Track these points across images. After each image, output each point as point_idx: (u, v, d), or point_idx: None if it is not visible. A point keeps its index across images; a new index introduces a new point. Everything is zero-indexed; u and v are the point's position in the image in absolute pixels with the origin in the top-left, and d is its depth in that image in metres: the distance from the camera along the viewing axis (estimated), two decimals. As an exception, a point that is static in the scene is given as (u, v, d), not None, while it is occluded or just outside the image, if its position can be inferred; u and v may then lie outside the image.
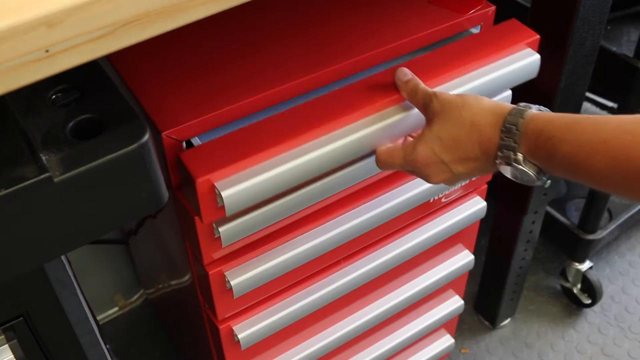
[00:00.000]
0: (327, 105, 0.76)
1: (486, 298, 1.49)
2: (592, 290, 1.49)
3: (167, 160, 0.75)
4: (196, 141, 0.76)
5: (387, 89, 0.77)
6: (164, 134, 0.73)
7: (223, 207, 0.69)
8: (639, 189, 0.56)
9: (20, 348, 0.62)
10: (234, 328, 0.88)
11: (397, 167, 0.73)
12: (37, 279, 0.59)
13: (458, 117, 0.67)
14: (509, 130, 0.64)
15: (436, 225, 1.00)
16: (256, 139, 0.72)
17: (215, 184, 0.69)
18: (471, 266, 1.12)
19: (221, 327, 0.88)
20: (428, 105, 0.70)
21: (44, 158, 0.51)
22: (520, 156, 0.63)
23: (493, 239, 1.39)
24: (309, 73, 0.80)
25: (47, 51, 0.47)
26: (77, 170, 0.50)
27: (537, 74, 0.85)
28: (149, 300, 1.53)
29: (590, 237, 1.42)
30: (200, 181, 0.69)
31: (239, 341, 0.88)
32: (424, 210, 0.98)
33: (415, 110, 0.75)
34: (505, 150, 0.64)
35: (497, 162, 0.65)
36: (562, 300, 1.55)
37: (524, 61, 0.83)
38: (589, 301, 1.50)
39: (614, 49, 1.26)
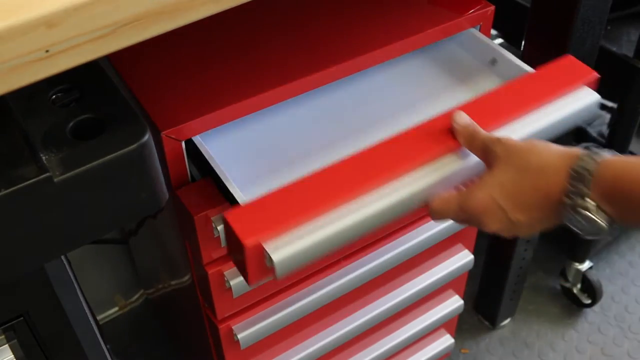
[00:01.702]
0: (377, 156, 0.69)
1: (486, 298, 1.49)
2: (592, 290, 1.49)
3: (167, 160, 0.75)
4: (197, 140, 0.75)
5: (443, 135, 0.70)
6: (163, 134, 0.73)
7: (273, 268, 0.62)
8: None
9: (20, 348, 0.62)
10: (233, 328, 0.88)
11: (451, 217, 0.67)
12: (37, 279, 0.59)
13: (524, 162, 0.62)
14: (579, 174, 0.58)
15: (435, 225, 1.00)
16: (304, 196, 0.65)
17: (264, 245, 0.62)
18: (471, 266, 1.12)
19: (221, 326, 0.88)
20: (490, 151, 0.65)
21: (44, 158, 0.51)
22: (590, 203, 0.58)
23: (493, 239, 1.39)
24: (309, 72, 0.80)
25: (47, 51, 0.47)
26: (77, 170, 0.50)
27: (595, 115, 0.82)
28: (149, 300, 1.53)
29: (590, 237, 1.42)
30: (249, 245, 0.61)
31: (238, 341, 0.88)
32: (424, 210, 0.97)
33: (474, 159, 0.69)
34: (573, 196, 0.59)
35: (563, 210, 0.60)
36: (562, 300, 1.55)
37: (583, 102, 0.76)
38: (588, 301, 1.50)
39: (614, 49, 1.26)
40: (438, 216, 0.68)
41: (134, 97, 0.79)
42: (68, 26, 0.46)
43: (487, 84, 0.88)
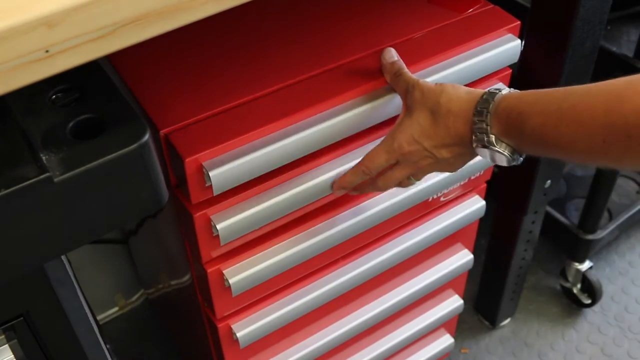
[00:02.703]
0: (315, 87, 0.78)
1: (486, 298, 1.49)
2: (592, 290, 1.49)
3: (167, 160, 0.75)
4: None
5: (373, 73, 0.79)
6: (162, 132, 0.73)
7: (211, 186, 0.71)
8: (600, 151, 0.57)
9: (20, 348, 0.62)
10: (232, 327, 0.88)
11: (383, 164, 0.73)
12: (37, 279, 0.59)
13: (435, 104, 0.69)
14: (481, 113, 0.65)
15: (435, 224, 1.00)
16: (244, 119, 0.74)
17: (203, 163, 0.71)
18: (470, 266, 1.12)
19: (220, 325, 0.88)
20: (410, 93, 0.71)
21: (44, 158, 0.51)
22: (492, 137, 0.65)
23: (493, 238, 1.39)
24: (309, 72, 0.80)
25: (47, 51, 0.47)
26: (77, 170, 0.50)
27: (517, 59, 0.88)
28: (149, 300, 1.53)
29: (590, 237, 1.42)
30: (189, 161, 0.70)
31: (237, 340, 0.88)
32: (422, 209, 0.98)
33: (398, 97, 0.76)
34: (478, 133, 0.66)
35: (474, 145, 0.67)
36: (562, 300, 1.55)
37: (504, 46, 0.85)
38: (588, 301, 1.50)
39: (614, 49, 1.26)
40: (370, 168, 0.74)
41: (134, 97, 0.79)
42: (68, 26, 0.47)
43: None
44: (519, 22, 0.87)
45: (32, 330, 0.61)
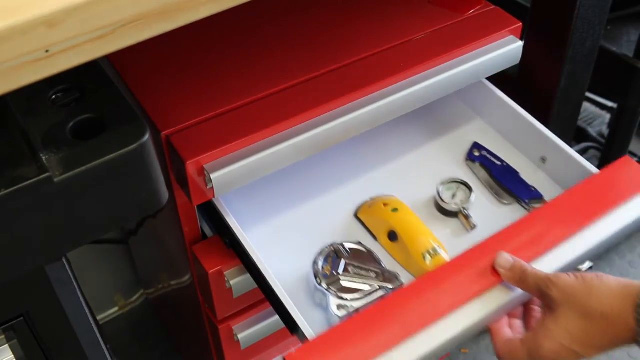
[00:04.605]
0: (317, 89, 0.78)
1: (486, 298, 1.48)
2: (592, 291, 1.48)
3: (167, 160, 0.75)
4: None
5: (375, 75, 0.79)
6: (163, 134, 0.73)
7: (212, 188, 0.71)
8: None
9: (20, 348, 0.62)
10: (233, 328, 0.88)
11: None
12: (37, 279, 0.59)
13: (584, 307, 0.62)
14: None
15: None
16: (246, 121, 0.74)
17: (205, 166, 0.71)
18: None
19: (221, 327, 0.88)
20: (545, 294, 0.65)
21: (44, 158, 0.51)
22: None
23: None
24: (310, 74, 0.80)
25: (47, 51, 0.47)
26: (77, 170, 0.50)
27: (519, 60, 0.88)
28: (149, 300, 1.53)
29: None
30: (190, 163, 0.70)
31: (238, 341, 0.88)
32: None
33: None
34: None
35: (636, 345, 0.61)
36: (562, 300, 1.55)
37: (506, 48, 0.85)
38: (589, 301, 1.50)
39: (614, 49, 1.26)
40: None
41: (134, 97, 0.79)
42: (68, 26, 0.46)
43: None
44: (520, 24, 0.87)
45: (32, 330, 0.61)
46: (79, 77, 0.55)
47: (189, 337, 1.19)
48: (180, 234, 0.84)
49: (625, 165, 0.77)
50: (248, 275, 0.81)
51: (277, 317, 0.89)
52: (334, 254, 0.77)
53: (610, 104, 1.70)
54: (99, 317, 1.50)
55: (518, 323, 0.70)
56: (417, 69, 0.81)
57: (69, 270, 0.64)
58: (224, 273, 0.81)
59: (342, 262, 0.76)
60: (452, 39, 0.85)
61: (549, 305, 0.65)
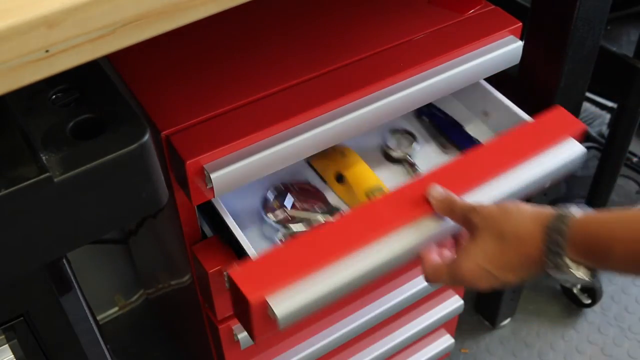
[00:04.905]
0: (317, 89, 0.79)
1: (486, 298, 1.49)
2: (592, 290, 1.49)
3: (167, 160, 0.75)
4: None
5: (375, 75, 0.80)
6: (163, 134, 0.73)
7: (212, 188, 0.71)
8: None
9: (20, 348, 0.62)
10: (233, 328, 0.88)
11: (443, 283, 0.74)
12: (37, 279, 0.59)
13: (500, 230, 0.67)
14: (553, 238, 0.63)
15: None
16: (246, 121, 0.75)
17: (205, 165, 0.71)
18: (471, 266, 1.11)
19: (221, 326, 0.88)
20: (469, 221, 0.70)
21: (44, 158, 0.51)
22: (569, 262, 0.63)
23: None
24: (310, 74, 0.80)
25: (47, 51, 0.47)
26: (77, 170, 0.50)
27: (519, 60, 0.89)
28: (149, 300, 1.53)
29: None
30: (190, 163, 0.70)
31: (238, 341, 0.88)
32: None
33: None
34: (552, 258, 0.64)
35: (547, 269, 0.65)
36: (562, 300, 1.55)
37: (506, 48, 0.86)
38: (589, 301, 1.50)
39: (614, 49, 1.26)
40: (431, 282, 0.74)
41: (134, 97, 0.79)
42: (68, 26, 0.46)
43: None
44: (520, 24, 0.87)
45: (32, 330, 0.61)
46: (79, 77, 0.55)
47: (188, 337, 1.19)
48: (180, 234, 0.84)
49: (557, 113, 0.84)
50: (248, 275, 0.82)
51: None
52: (283, 191, 0.83)
53: (610, 104, 1.70)
54: (99, 317, 1.50)
55: (447, 253, 0.75)
56: (417, 68, 0.81)
57: (69, 270, 0.64)
58: (224, 273, 0.81)
59: (290, 198, 0.82)
60: (451, 39, 0.85)
61: (472, 231, 0.69)
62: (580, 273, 0.63)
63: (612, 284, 1.57)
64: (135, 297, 1.53)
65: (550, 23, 1.01)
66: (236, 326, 0.88)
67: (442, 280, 0.73)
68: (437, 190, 0.74)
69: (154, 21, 0.50)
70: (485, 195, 0.75)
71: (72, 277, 0.65)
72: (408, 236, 0.72)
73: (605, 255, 0.61)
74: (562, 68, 1.02)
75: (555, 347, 1.47)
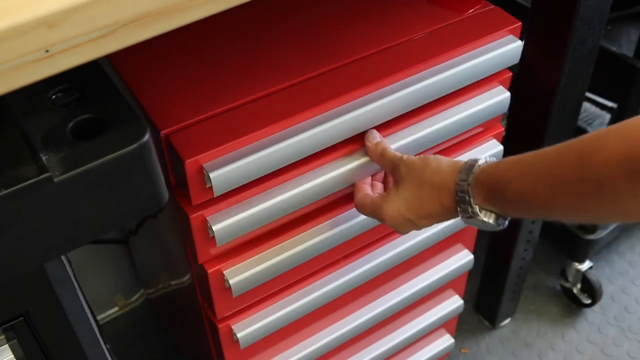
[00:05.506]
0: (316, 88, 0.79)
1: (486, 298, 1.49)
2: (592, 290, 1.49)
3: (167, 160, 0.75)
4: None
5: (374, 74, 0.81)
6: (163, 133, 0.73)
7: (211, 188, 0.71)
8: (577, 206, 0.60)
9: (20, 348, 0.62)
10: (233, 327, 0.88)
11: (367, 215, 0.80)
12: (37, 279, 0.59)
13: (420, 179, 0.73)
14: (461, 186, 0.69)
15: (436, 224, 1.00)
16: (245, 120, 0.75)
17: (204, 165, 0.71)
18: (471, 266, 1.12)
19: (220, 326, 0.88)
20: (395, 169, 0.76)
21: (44, 158, 0.51)
22: (476, 207, 0.69)
23: (493, 239, 1.39)
24: (309, 73, 0.80)
25: (47, 51, 0.47)
26: (77, 170, 0.50)
27: (519, 60, 0.88)
28: (149, 300, 1.53)
29: (590, 237, 1.42)
30: (189, 162, 0.70)
31: (238, 340, 0.88)
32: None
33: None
34: (462, 204, 0.70)
35: (459, 215, 0.71)
36: (562, 300, 1.55)
37: (505, 47, 0.86)
38: (588, 301, 1.50)
39: (614, 49, 1.26)
40: (358, 210, 0.81)
41: (134, 98, 0.79)
42: (68, 26, 0.47)
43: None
44: (520, 23, 0.87)
45: (32, 330, 0.61)
46: (79, 77, 0.55)
47: (189, 337, 1.19)
48: (180, 234, 0.84)
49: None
50: (248, 274, 0.82)
51: (276, 315, 0.89)
52: None
53: (610, 104, 1.70)
54: (99, 317, 1.50)
55: (379, 185, 0.84)
56: (417, 68, 0.81)
57: (69, 270, 0.64)
58: (224, 273, 0.81)
59: None
60: (451, 38, 0.85)
61: (397, 179, 0.76)
62: (488, 218, 0.69)
63: (612, 284, 1.57)
64: (135, 297, 1.53)
65: (550, 23, 1.01)
66: (235, 325, 0.88)
67: (365, 213, 0.80)
68: (374, 135, 0.80)
69: (154, 21, 0.50)
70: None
71: (72, 277, 0.65)
72: (345, 164, 0.80)
73: (501, 195, 0.67)
74: (562, 68, 1.02)
75: (555, 347, 1.47)
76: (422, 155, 0.75)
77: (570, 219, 0.69)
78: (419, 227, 0.76)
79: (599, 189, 0.57)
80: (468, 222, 0.71)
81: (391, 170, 0.78)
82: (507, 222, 0.71)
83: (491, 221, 0.69)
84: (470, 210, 0.69)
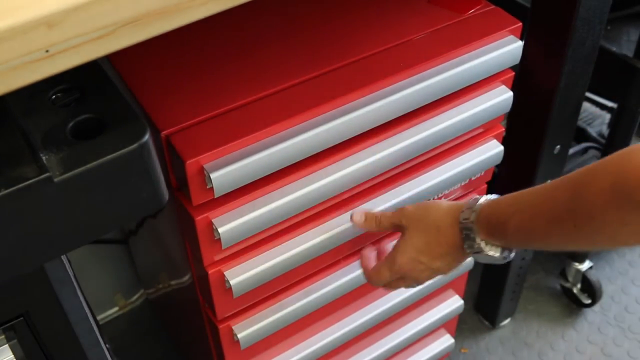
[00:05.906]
0: (317, 88, 0.79)
1: (486, 298, 1.49)
2: (592, 290, 1.49)
3: (167, 160, 0.75)
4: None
5: (375, 74, 0.80)
6: (163, 134, 0.73)
7: (212, 188, 0.71)
8: (573, 236, 0.63)
9: (20, 348, 0.62)
10: (233, 328, 0.88)
11: (387, 280, 0.82)
12: (37, 279, 0.59)
13: (425, 225, 0.77)
14: (465, 225, 0.73)
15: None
16: (246, 120, 0.75)
17: (205, 165, 0.71)
18: (471, 266, 1.12)
19: (221, 326, 0.88)
20: (398, 224, 0.80)
21: (44, 158, 0.51)
22: (482, 243, 0.73)
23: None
24: (310, 73, 0.80)
25: (47, 51, 0.47)
26: (77, 170, 0.50)
27: (519, 60, 0.89)
28: (149, 300, 1.53)
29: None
30: (190, 163, 0.70)
31: (238, 341, 0.88)
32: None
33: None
34: (468, 242, 0.74)
35: (467, 252, 0.75)
36: (562, 300, 1.55)
37: (506, 48, 0.86)
38: (588, 301, 1.50)
39: (614, 49, 1.26)
40: (375, 283, 0.84)
41: (134, 97, 0.79)
42: (68, 26, 0.47)
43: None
44: (520, 24, 0.87)
45: (32, 330, 0.61)
46: (79, 77, 0.55)
47: (189, 337, 1.19)
48: (181, 234, 0.84)
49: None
50: (248, 275, 0.82)
51: (276, 316, 0.89)
52: None
53: (610, 104, 1.70)
54: (99, 317, 1.50)
55: (387, 247, 0.88)
56: (417, 68, 0.81)
57: (69, 270, 0.64)
58: (224, 273, 0.81)
59: None
60: (451, 39, 0.85)
61: (402, 232, 0.80)
62: (493, 252, 0.73)
63: (612, 284, 1.57)
64: (135, 297, 1.53)
65: (550, 23, 1.01)
66: (236, 326, 0.88)
67: (385, 279, 0.82)
68: (358, 217, 0.84)
69: (154, 21, 0.50)
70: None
71: (72, 277, 0.65)
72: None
73: (503, 230, 0.70)
74: (562, 68, 1.02)
75: (555, 347, 1.47)
76: (418, 204, 0.80)
77: (569, 249, 0.74)
78: (433, 271, 0.79)
79: (591, 220, 0.60)
80: (476, 257, 0.75)
81: (394, 228, 0.82)
82: (512, 255, 0.74)
83: (497, 255, 0.73)
84: (476, 246, 0.73)
